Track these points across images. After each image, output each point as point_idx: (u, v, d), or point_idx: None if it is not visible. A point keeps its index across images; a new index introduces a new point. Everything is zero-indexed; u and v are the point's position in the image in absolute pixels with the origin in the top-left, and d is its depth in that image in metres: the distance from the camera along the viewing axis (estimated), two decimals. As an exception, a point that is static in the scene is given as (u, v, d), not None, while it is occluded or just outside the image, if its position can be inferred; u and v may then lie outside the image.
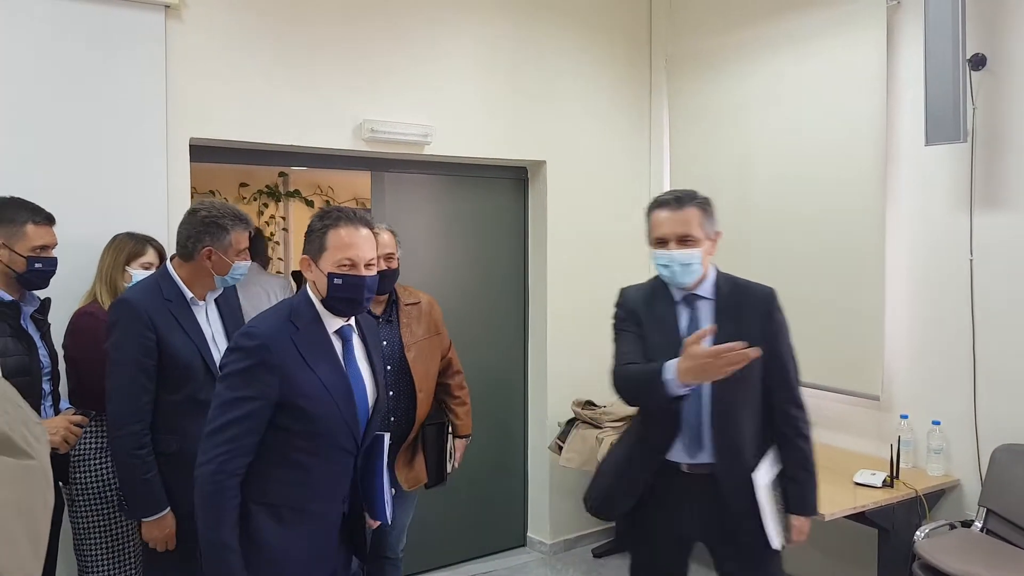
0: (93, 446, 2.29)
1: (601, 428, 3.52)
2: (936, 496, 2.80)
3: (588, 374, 3.87)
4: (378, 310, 2.55)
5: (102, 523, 2.29)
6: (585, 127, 3.86)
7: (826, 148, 3.20)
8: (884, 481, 2.71)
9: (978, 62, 2.70)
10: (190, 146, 2.86)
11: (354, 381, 1.75)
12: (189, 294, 2.18)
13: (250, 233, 2.24)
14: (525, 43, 3.65)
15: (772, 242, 3.43)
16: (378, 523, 1.85)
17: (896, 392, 3.02)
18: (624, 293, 2.16)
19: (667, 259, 1.97)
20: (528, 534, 3.94)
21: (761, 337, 1.90)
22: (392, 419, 2.52)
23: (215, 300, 2.27)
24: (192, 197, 2.92)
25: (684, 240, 1.95)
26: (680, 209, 1.97)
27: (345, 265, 1.69)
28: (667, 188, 4.05)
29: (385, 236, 2.51)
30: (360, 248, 1.70)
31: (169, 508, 2.11)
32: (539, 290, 3.85)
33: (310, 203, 6.38)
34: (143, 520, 2.12)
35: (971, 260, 2.78)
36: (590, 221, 3.88)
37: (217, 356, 2.19)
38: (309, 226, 1.75)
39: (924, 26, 2.69)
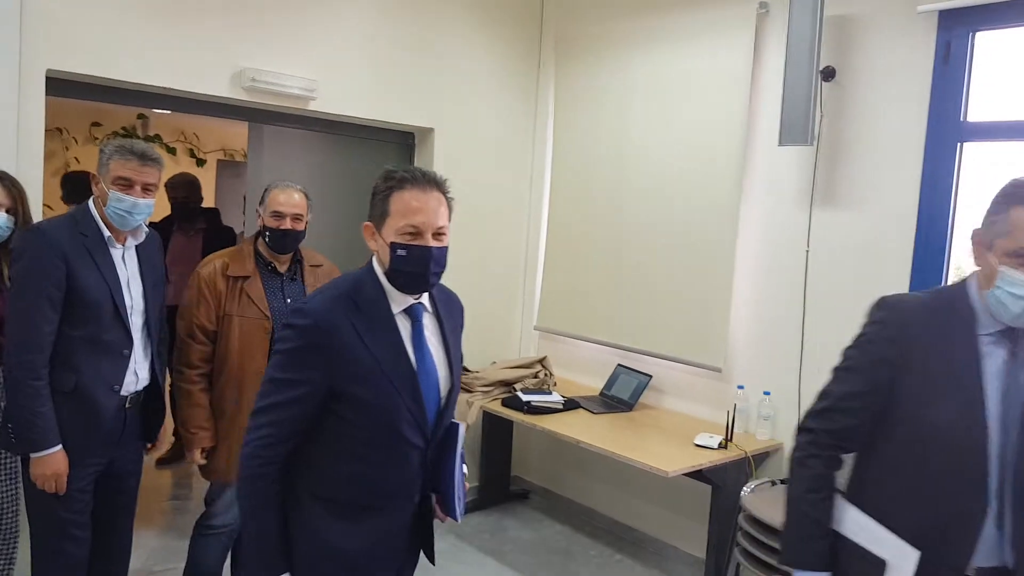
0: None
1: (472, 392, 3.66)
2: (762, 457, 3.17)
3: (464, 339, 3.98)
4: (283, 268, 2.56)
5: None
6: (475, 99, 3.90)
7: (694, 142, 3.43)
8: (720, 443, 3.03)
9: (828, 74, 3.00)
10: (47, 79, 2.63)
11: (422, 367, 1.55)
12: (107, 233, 2.15)
13: (156, 170, 2.15)
14: (418, 9, 3.61)
15: (642, 226, 3.67)
16: (448, 518, 1.69)
17: (735, 365, 3.36)
18: (897, 308, 1.47)
19: None
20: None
21: None
22: None
23: (136, 247, 2.23)
24: (44, 133, 2.70)
25: None
26: None
27: (409, 233, 1.50)
28: (550, 166, 4.19)
29: (296, 196, 2.52)
30: (427, 213, 1.50)
31: (61, 446, 2.02)
32: (418, 256, 3.88)
33: (172, 150, 5.96)
34: (31, 456, 2.01)
35: (807, 251, 3.13)
36: (475, 193, 3.94)
37: (129, 300, 2.15)
38: (374, 188, 1.56)
39: (787, 36, 2.96)
